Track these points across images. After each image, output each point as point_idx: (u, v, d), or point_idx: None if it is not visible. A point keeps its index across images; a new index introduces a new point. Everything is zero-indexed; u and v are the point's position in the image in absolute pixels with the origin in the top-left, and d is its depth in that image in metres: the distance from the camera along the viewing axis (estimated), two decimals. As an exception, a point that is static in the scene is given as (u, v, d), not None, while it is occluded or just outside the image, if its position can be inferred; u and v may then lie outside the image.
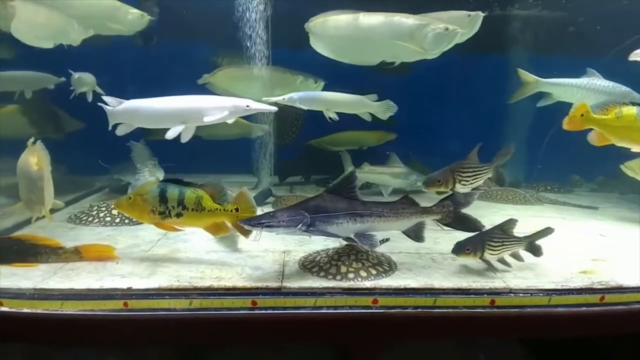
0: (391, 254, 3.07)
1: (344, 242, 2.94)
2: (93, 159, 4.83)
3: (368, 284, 2.63)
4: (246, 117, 4.80)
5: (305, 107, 4.03)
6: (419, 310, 2.50)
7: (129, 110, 2.90)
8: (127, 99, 2.95)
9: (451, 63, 4.03)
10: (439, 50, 3.68)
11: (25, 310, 2.38)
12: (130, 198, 2.83)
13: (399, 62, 3.90)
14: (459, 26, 3.64)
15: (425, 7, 3.92)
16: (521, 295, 2.61)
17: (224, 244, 3.25)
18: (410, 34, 3.63)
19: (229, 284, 2.59)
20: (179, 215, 2.79)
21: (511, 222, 2.88)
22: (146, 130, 3.21)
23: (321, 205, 2.65)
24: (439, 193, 3.01)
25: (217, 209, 2.78)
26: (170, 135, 2.84)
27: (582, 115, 2.92)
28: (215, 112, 2.86)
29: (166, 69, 4.97)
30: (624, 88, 4.08)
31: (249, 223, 2.55)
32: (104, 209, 3.88)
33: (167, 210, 2.79)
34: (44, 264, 2.81)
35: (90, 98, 4.22)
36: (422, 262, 3.02)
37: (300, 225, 2.56)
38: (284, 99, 3.90)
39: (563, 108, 4.29)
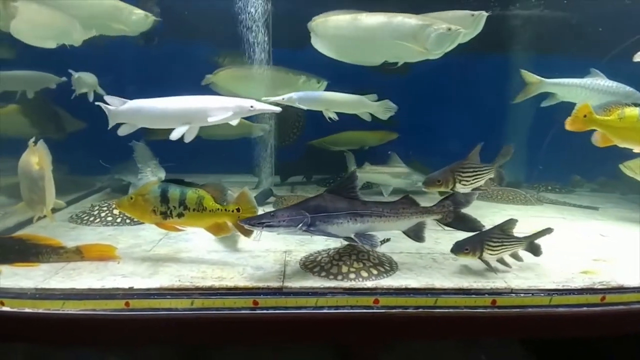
0: (392, 254, 3.07)
1: (345, 242, 2.95)
2: (94, 158, 4.83)
3: (369, 284, 2.63)
4: (247, 117, 4.80)
5: (304, 107, 4.04)
6: (420, 310, 2.50)
7: (132, 110, 2.89)
8: (128, 99, 2.95)
9: (452, 63, 4.03)
10: (442, 50, 3.67)
11: (27, 310, 2.38)
12: (131, 198, 2.84)
13: (402, 63, 3.90)
14: (462, 26, 3.64)
15: (426, 7, 3.92)
16: (522, 295, 2.61)
17: (224, 244, 3.26)
18: (413, 34, 3.62)
19: (230, 283, 2.59)
20: (180, 215, 2.80)
21: (511, 222, 2.88)
22: (146, 130, 3.21)
23: (321, 205, 2.65)
24: (441, 193, 3.00)
25: (218, 209, 2.78)
26: (175, 135, 2.84)
27: (584, 116, 2.92)
28: (219, 112, 2.86)
29: (167, 69, 4.96)
30: (627, 88, 4.08)
31: (250, 223, 2.56)
32: (105, 208, 3.88)
33: (168, 210, 2.79)
34: (45, 264, 2.81)
35: (91, 98, 4.23)
36: (423, 262, 3.02)
37: (300, 225, 2.57)
38: (283, 99, 3.90)
39: (564, 108, 4.30)
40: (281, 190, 5.28)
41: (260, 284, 2.59)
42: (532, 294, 2.62)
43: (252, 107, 2.92)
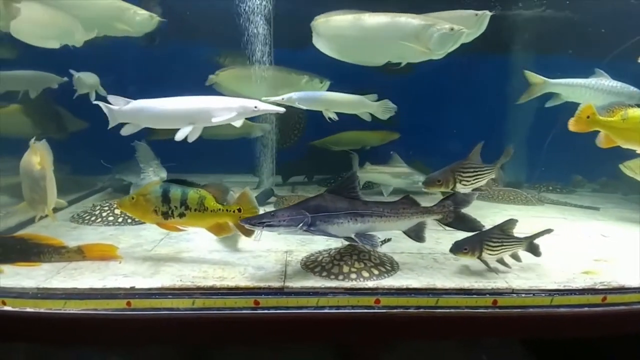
0: (393, 254, 3.07)
1: (346, 242, 2.95)
2: (95, 158, 4.83)
3: (370, 284, 2.63)
4: (250, 117, 4.80)
5: (304, 107, 4.03)
6: (421, 310, 2.50)
7: (136, 110, 2.89)
8: (131, 99, 2.95)
9: (454, 63, 4.03)
10: (445, 50, 3.67)
11: (29, 309, 2.39)
12: (133, 198, 2.84)
13: (405, 63, 3.89)
14: (466, 25, 3.63)
15: (426, 7, 3.92)
16: (523, 295, 2.61)
17: (224, 244, 3.26)
18: (416, 35, 3.62)
19: (231, 283, 2.59)
20: (181, 215, 2.80)
21: (511, 223, 2.88)
22: (148, 129, 3.21)
23: (322, 205, 2.65)
24: (443, 194, 3.00)
25: (219, 209, 2.79)
26: (179, 136, 2.84)
27: (588, 117, 2.91)
28: (224, 113, 2.86)
29: (168, 69, 4.97)
30: (632, 88, 4.08)
31: (250, 222, 2.56)
32: (106, 208, 3.89)
33: (169, 210, 2.79)
34: (47, 263, 2.81)
35: (93, 98, 4.23)
36: (425, 262, 3.02)
37: (301, 224, 2.57)
38: (283, 98, 3.89)
39: (565, 108, 4.31)
40: (282, 190, 5.28)
41: (262, 284, 2.59)
42: (534, 294, 2.62)
43: (256, 107, 2.92)
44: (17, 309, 2.38)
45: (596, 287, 2.72)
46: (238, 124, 3.01)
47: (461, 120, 5.27)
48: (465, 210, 2.95)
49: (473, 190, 2.96)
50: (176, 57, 5.05)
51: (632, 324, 2.67)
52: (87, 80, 4.37)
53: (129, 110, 2.89)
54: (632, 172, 4.33)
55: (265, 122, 5.03)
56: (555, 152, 5.24)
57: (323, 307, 2.49)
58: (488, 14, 3.73)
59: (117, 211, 3.81)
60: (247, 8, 4.16)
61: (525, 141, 5.36)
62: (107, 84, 4.38)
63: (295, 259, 3.03)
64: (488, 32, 3.85)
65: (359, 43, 3.87)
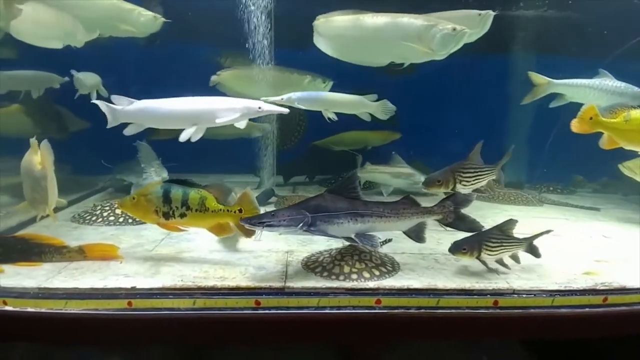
0: (394, 255, 3.07)
1: (347, 242, 2.95)
2: (96, 158, 4.84)
3: (371, 284, 2.63)
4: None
5: (303, 107, 4.03)
6: (422, 310, 2.50)
7: (139, 110, 2.89)
8: (134, 99, 2.95)
9: (456, 63, 4.02)
10: (447, 50, 3.66)
11: (29, 309, 2.39)
12: (134, 198, 2.84)
13: (408, 64, 3.89)
14: (469, 25, 3.62)
15: (427, 7, 3.92)
16: (524, 296, 2.61)
17: (224, 244, 3.26)
18: (419, 35, 3.61)
19: (232, 283, 2.59)
20: (182, 215, 2.80)
21: (510, 223, 2.87)
22: (149, 129, 3.21)
23: (322, 205, 2.65)
24: (446, 194, 3.00)
25: (220, 209, 2.79)
26: (183, 137, 2.83)
27: (590, 118, 2.91)
28: (228, 113, 2.86)
29: (169, 69, 4.97)
30: (636, 89, 4.07)
31: (250, 222, 2.56)
32: (107, 208, 3.89)
33: (170, 210, 2.79)
34: (48, 263, 2.81)
35: (94, 98, 4.23)
36: (425, 263, 3.02)
37: (301, 224, 2.57)
38: (282, 99, 3.88)
39: (566, 108, 4.31)
40: (283, 190, 5.28)
41: (263, 284, 2.59)
42: (535, 294, 2.62)
43: (260, 108, 2.92)
44: (18, 309, 2.38)
45: (597, 287, 2.72)
46: (242, 124, 3.00)
47: (462, 121, 5.27)
48: (465, 211, 2.95)
49: (473, 191, 2.95)
50: (177, 58, 5.05)
51: (633, 325, 2.67)
52: (87, 81, 4.37)
53: (133, 110, 2.89)
54: (631, 172, 4.33)
55: (266, 123, 5.03)
56: (556, 153, 5.24)
57: (324, 308, 2.49)
58: (491, 13, 3.72)
59: (118, 211, 3.81)
60: (248, 8, 4.16)
61: (526, 141, 5.35)
62: (108, 84, 4.38)
63: (296, 259, 3.03)
64: (489, 32, 3.85)
65: (361, 43, 3.86)
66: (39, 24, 3.74)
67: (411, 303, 2.52)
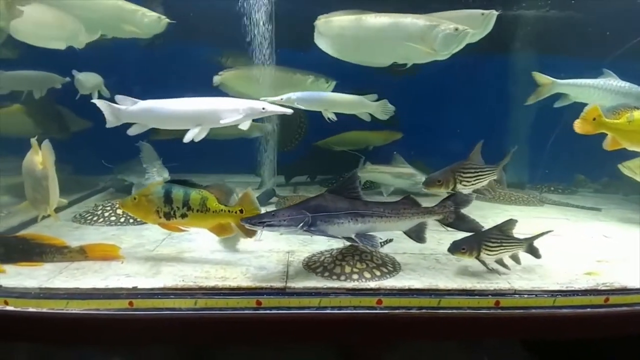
0: (395, 255, 3.07)
1: (348, 243, 2.94)
2: (97, 158, 4.84)
3: (372, 284, 2.63)
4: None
5: (303, 107, 4.02)
6: (424, 311, 2.50)
7: (143, 110, 2.88)
8: (136, 99, 2.94)
9: (457, 63, 4.02)
10: (450, 51, 3.65)
11: (31, 309, 2.39)
12: (135, 198, 2.84)
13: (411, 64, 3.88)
14: (473, 25, 3.61)
15: (428, 7, 3.91)
16: (526, 296, 2.61)
17: (224, 244, 3.26)
18: (421, 35, 3.60)
19: (233, 283, 2.59)
20: (183, 216, 2.80)
21: (510, 223, 2.86)
22: (150, 129, 3.21)
23: (322, 205, 2.65)
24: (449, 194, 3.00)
25: (221, 210, 2.79)
26: (188, 137, 2.83)
27: (594, 119, 2.90)
28: (231, 114, 2.85)
29: (170, 69, 4.97)
30: None
31: (250, 222, 2.56)
32: (108, 208, 3.89)
33: (171, 211, 2.80)
34: (49, 263, 2.82)
35: (95, 97, 4.23)
36: (427, 263, 3.02)
37: (301, 224, 2.57)
38: (282, 99, 3.87)
39: (567, 108, 4.30)
40: (284, 190, 5.28)
41: (264, 284, 2.59)
42: (536, 295, 2.62)
43: (264, 109, 2.92)
44: (19, 309, 2.38)
45: (599, 288, 2.71)
46: (245, 125, 3.00)
47: (463, 121, 5.26)
48: (466, 211, 2.94)
49: (474, 191, 2.95)
50: (178, 58, 5.05)
51: (634, 325, 2.66)
52: (88, 81, 4.38)
53: (136, 111, 2.88)
54: (630, 172, 4.32)
55: (266, 123, 5.02)
56: (557, 153, 5.23)
57: (325, 308, 2.49)
58: (495, 13, 3.70)
59: (119, 211, 3.82)
60: (249, 8, 4.15)
61: (527, 142, 5.35)
62: (110, 85, 4.38)
63: (297, 259, 3.03)
64: (490, 32, 3.84)
65: (363, 43, 3.85)
66: (40, 25, 3.74)
67: (412, 303, 2.52)
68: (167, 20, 4.33)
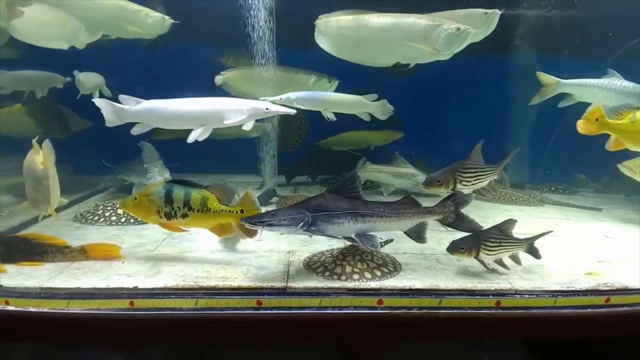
0: (396, 255, 3.07)
1: (349, 243, 2.94)
2: (98, 158, 4.84)
3: (373, 284, 2.63)
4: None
5: (302, 107, 4.01)
6: (424, 311, 2.50)
7: (147, 110, 2.87)
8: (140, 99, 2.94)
9: (458, 63, 4.01)
10: (452, 50, 3.64)
11: (32, 309, 2.39)
12: (136, 198, 2.84)
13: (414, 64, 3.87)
14: (475, 24, 3.60)
15: (429, 7, 3.91)
16: (527, 296, 2.60)
17: (225, 244, 3.26)
18: (424, 35, 3.59)
19: (234, 283, 2.59)
20: (184, 216, 2.80)
21: (509, 223, 2.85)
22: (151, 129, 3.21)
23: (322, 205, 2.65)
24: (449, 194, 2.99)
25: (222, 210, 2.79)
26: (192, 138, 2.83)
27: (597, 119, 2.89)
28: (235, 114, 2.85)
29: (171, 69, 4.97)
30: None
31: (250, 221, 2.56)
32: (109, 208, 3.90)
33: (172, 211, 2.80)
34: (50, 263, 2.82)
35: (96, 97, 4.23)
36: (427, 263, 3.01)
37: (301, 224, 2.57)
38: (281, 98, 3.85)
39: (568, 108, 4.29)
40: (284, 190, 5.28)
41: (264, 284, 2.60)
42: (537, 295, 2.62)
43: (267, 109, 2.91)
44: (20, 309, 2.38)
45: (600, 288, 2.71)
46: (248, 126, 3.00)
47: (465, 121, 5.26)
48: (466, 211, 2.94)
49: (475, 192, 2.95)
50: (178, 58, 5.05)
51: (635, 325, 2.66)
52: (89, 81, 4.38)
53: (140, 110, 2.88)
54: (630, 172, 4.31)
55: (266, 123, 5.01)
56: (557, 153, 5.23)
57: (326, 308, 2.48)
58: (498, 12, 3.68)
59: (119, 211, 3.82)
60: (250, 8, 4.15)
61: (527, 141, 5.34)
62: (110, 85, 4.38)
63: (298, 259, 3.03)
64: (492, 32, 3.84)
65: (365, 43, 3.84)
66: (41, 25, 3.74)
67: (413, 303, 2.52)
68: (171, 20, 4.32)
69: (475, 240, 2.78)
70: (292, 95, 3.90)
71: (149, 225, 3.48)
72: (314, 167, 5.81)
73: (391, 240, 3.25)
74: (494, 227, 2.86)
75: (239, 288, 2.56)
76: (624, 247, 3.61)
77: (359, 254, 2.85)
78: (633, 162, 4.25)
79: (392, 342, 2.84)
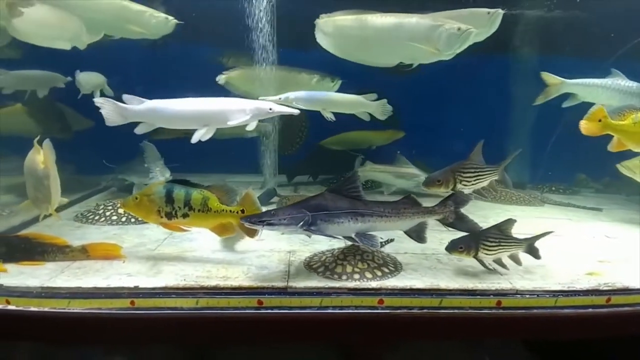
0: (397, 255, 3.07)
1: (349, 242, 2.94)
2: (98, 158, 4.85)
3: (374, 284, 2.63)
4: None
5: (301, 107, 4.00)
6: (425, 311, 2.50)
7: (150, 110, 2.87)
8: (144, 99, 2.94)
9: (459, 63, 4.01)
10: (453, 50, 3.62)
11: (33, 308, 2.39)
12: (136, 198, 2.84)
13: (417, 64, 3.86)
14: (478, 24, 3.59)
15: (429, 7, 3.90)
16: (527, 296, 2.60)
17: (225, 244, 3.26)
18: (425, 35, 3.58)
19: (235, 283, 2.60)
20: (185, 215, 2.80)
21: (509, 223, 2.85)
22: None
23: (322, 204, 2.65)
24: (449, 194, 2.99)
25: (223, 210, 2.79)
26: (196, 138, 2.83)
27: (599, 120, 2.89)
28: (239, 114, 2.85)
29: (171, 69, 4.97)
30: None
31: (250, 221, 2.56)
32: (110, 207, 3.90)
33: (173, 210, 2.80)
34: (51, 263, 2.82)
35: (97, 97, 4.23)
36: (428, 263, 3.01)
37: (301, 223, 2.57)
38: (280, 98, 3.84)
39: (568, 108, 4.29)
40: (285, 190, 5.28)
41: (265, 284, 2.60)
42: (538, 295, 2.61)
43: (271, 109, 2.91)
44: (21, 308, 2.39)
45: (600, 288, 2.71)
46: (252, 126, 2.99)
47: (466, 121, 5.25)
48: (467, 211, 2.94)
49: (475, 192, 2.95)
50: (179, 58, 5.05)
51: (636, 325, 2.66)
52: (91, 80, 4.39)
53: (143, 110, 2.87)
54: (629, 172, 4.30)
55: (266, 123, 5.00)
56: (558, 153, 5.22)
57: (326, 307, 2.49)
58: (500, 12, 3.67)
59: (120, 210, 3.82)
60: (252, 8, 4.15)
61: (528, 141, 5.34)
62: (112, 84, 4.39)
63: (299, 259, 3.03)
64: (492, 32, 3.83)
65: (367, 43, 3.83)
66: (42, 25, 3.74)
67: (414, 303, 2.52)
68: (175, 21, 4.31)
69: (474, 240, 2.78)
70: (291, 95, 3.89)
71: (149, 225, 3.49)
72: (315, 167, 5.81)
73: (392, 240, 3.25)
74: (493, 226, 2.86)
75: (240, 288, 2.56)
76: (625, 247, 3.60)
77: (359, 254, 2.85)
78: (632, 162, 4.25)
79: (392, 342, 2.84)
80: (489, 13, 3.69)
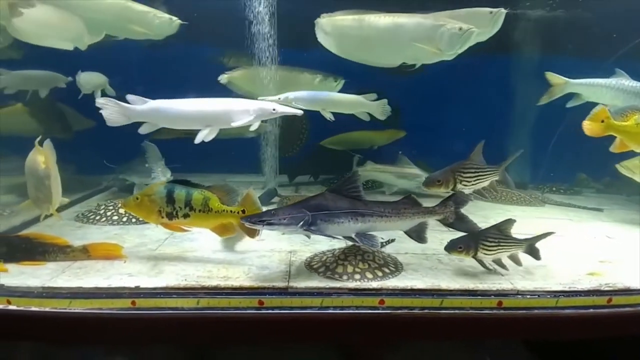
0: (397, 255, 3.07)
1: (350, 242, 2.94)
2: (99, 158, 4.85)
3: (374, 284, 2.63)
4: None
5: (301, 107, 3.99)
6: (426, 311, 2.50)
7: (154, 110, 2.87)
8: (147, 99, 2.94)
9: (460, 63, 4.00)
10: (455, 50, 3.61)
11: (33, 308, 2.39)
12: (137, 198, 2.84)
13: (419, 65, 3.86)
14: (480, 24, 3.58)
15: (429, 7, 3.89)
16: (528, 296, 2.60)
17: (226, 244, 3.26)
18: (427, 35, 3.57)
19: (236, 283, 2.60)
20: (186, 216, 2.80)
21: (508, 223, 2.84)
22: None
23: (322, 204, 2.65)
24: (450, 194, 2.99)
25: (223, 210, 2.79)
26: (199, 139, 2.83)
27: (602, 121, 2.88)
28: (242, 115, 2.85)
29: (172, 69, 4.97)
30: None
31: (251, 220, 2.56)
32: (111, 207, 3.90)
33: (174, 211, 2.80)
34: (52, 263, 2.82)
35: (98, 97, 4.23)
36: (429, 263, 3.01)
37: (301, 223, 2.57)
38: (279, 98, 3.83)
39: (568, 108, 4.29)
40: (286, 190, 5.28)
41: (266, 284, 2.60)
42: (538, 295, 2.61)
43: (274, 110, 2.91)
44: (22, 308, 2.39)
45: (601, 288, 2.71)
46: (254, 126, 2.99)
47: (467, 121, 5.25)
48: (468, 211, 2.94)
49: (475, 192, 2.94)
50: (179, 58, 5.05)
51: (637, 326, 2.66)
52: (92, 80, 4.39)
53: (147, 110, 2.87)
54: (629, 172, 4.29)
55: (266, 123, 5.00)
56: (559, 153, 5.22)
57: (327, 308, 2.49)
58: (503, 11, 3.65)
59: (121, 211, 3.82)
60: (252, 8, 4.14)
61: (529, 142, 5.34)
62: (113, 84, 4.39)
63: (299, 259, 3.03)
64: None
65: (369, 43, 3.82)
66: (43, 25, 3.75)
67: (415, 303, 2.52)
68: (179, 21, 4.30)
69: (473, 240, 2.77)
70: (291, 95, 3.88)
71: (150, 225, 3.48)
72: (316, 167, 5.81)
73: (393, 240, 3.25)
74: (492, 226, 2.86)
75: (241, 288, 2.57)
76: (626, 248, 3.60)
77: (360, 254, 2.85)
78: (631, 162, 4.24)
79: (393, 342, 2.84)
80: (491, 12, 3.67)
